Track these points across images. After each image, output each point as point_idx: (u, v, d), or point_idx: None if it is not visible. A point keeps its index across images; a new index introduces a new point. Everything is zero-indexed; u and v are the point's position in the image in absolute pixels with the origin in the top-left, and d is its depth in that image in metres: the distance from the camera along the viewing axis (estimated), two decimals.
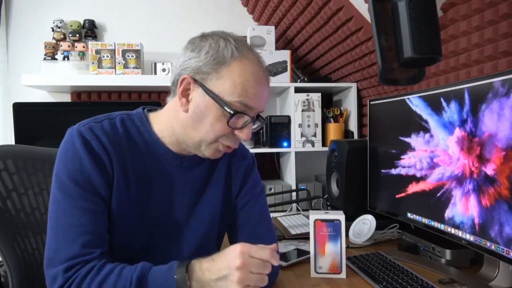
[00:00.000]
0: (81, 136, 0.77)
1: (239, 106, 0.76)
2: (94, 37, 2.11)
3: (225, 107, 0.75)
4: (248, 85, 0.76)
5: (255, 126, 0.83)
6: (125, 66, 1.97)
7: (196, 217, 0.88)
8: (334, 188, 1.58)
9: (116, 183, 0.78)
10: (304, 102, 1.93)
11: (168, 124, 0.84)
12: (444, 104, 1.03)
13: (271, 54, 1.90)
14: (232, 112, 0.75)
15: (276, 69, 1.90)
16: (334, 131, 1.97)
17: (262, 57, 0.83)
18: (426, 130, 1.10)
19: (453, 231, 1.00)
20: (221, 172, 0.93)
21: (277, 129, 1.93)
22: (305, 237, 1.35)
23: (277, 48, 2.03)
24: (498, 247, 0.86)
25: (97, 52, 1.96)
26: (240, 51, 0.77)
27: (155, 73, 1.98)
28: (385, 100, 1.33)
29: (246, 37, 2.00)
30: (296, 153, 1.93)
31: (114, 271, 0.72)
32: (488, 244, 0.89)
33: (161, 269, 0.72)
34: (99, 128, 0.79)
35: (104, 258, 0.75)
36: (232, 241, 0.97)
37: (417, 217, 1.15)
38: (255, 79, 0.77)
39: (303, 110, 1.93)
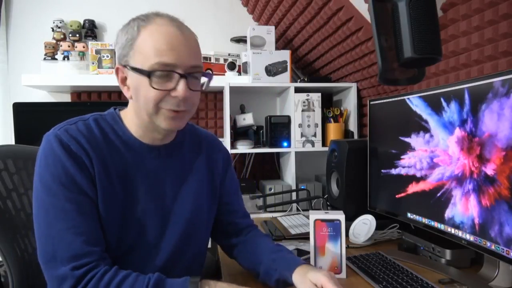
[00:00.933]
0: (58, 140, 0.77)
1: (158, 66, 0.77)
2: (94, 37, 2.11)
3: (145, 73, 0.77)
4: (159, 43, 0.77)
5: (200, 82, 0.84)
6: None
7: (180, 205, 0.90)
8: (334, 188, 1.58)
9: (99, 181, 0.79)
10: (304, 102, 1.93)
11: (132, 118, 0.86)
12: (444, 104, 1.03)
13: (271, 54, 1.90)
14: (148, 72, 0.76)
15: (276, 69, 1.90)
16: (334, 131, 1.97)
17: (176, 18, 0.83)
18: (426, 130, 1.10)
19: (453, 231, 1.00)
20: (202, 163, 0.96)
21: (277, 129, 1.93)
22: (305, 237, 1.36)
23: (277, 48, 2.02)
24: (498, 247, 0.86)
25: (97, 52, 1.96)
26: (146, 20, 0.80)
27: None
28: (385, 100, 1.33)
29: (246, 37, 2.01)
30: (296, 153, 1.93)
31: (131, 275, 0.74)
32: (488, 244, 0.89)
33: (177, 280, 0.76)
34: (75, 130, 0.80)
35: (107, 258, 0.77)
36: (227, 223, 1.03)
37: (417, 217, 1.15)
38: (164, 36, 0.77)
39: (303, 110, 1.93)
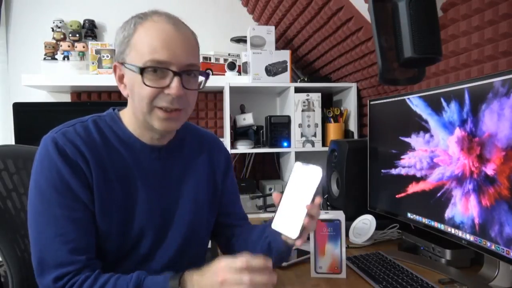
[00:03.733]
0: (54, 144, 0.76)
1: (151, 64, 0.75)
2: (94, 37, 2.11)
3: (138, 70, 0.75)
4: (153, 40, 0.75)
5: (198, 81, 0.82)
6: None
7: (181, 207, 0.89)
8: (334, 188, 1.58)
9: (97, 187, 0.78)
10: (304, 102, 1.93)
11: (130, 117, 0.85)
12: (444, 104, 1.03)
13: (271, 54, 1.90)
14: (140, 68, 0.75)
15: (276, 69, 1.90)
16: (334, 131, 1.97)
17: (174, 15, 0.81)
18: (426, 130, 1.10)
19: (453, 231, 1.00)
20: (204, 163, 0.95)
21: (277, 129, 1.93)
22: None
23: (277, 48, 2.02)
24: (498, 247, 0.86)
25: (97, 52, 1.96)
26: (143, 17, 0.78)
27: None
28: (385, 100, 1.33)
29: (246, 37, 2.01)
30: (296, 153, 1.93)
31: (109, 282, 0.72)
32: (488, 244, 0.89)
33: (156, 280, 0.72)
34: (72, 132, 0.79)
35: (94, 264, 0.76)
36: (226, 225, 1.01)
37: (417, 217, 1.15)
38: (159, 33, 0.76)
39: (303, 110, 1.93)
